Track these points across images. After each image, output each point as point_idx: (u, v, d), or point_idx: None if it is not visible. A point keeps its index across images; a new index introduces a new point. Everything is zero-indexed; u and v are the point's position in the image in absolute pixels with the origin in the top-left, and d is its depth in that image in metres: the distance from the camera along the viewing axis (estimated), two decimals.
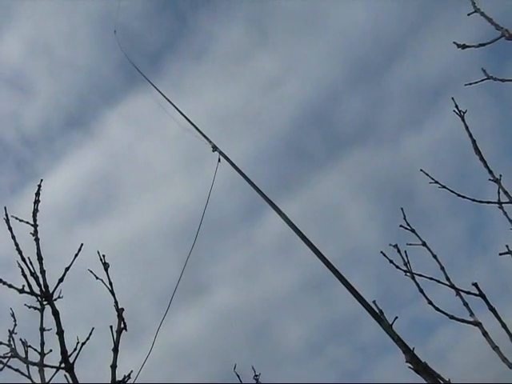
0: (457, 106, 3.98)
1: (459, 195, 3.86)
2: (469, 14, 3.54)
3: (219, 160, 6.02)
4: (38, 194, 3.03)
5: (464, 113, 4.06)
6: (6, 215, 2.83)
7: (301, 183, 14.42)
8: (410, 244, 3.95)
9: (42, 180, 3.07)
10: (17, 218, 2.92)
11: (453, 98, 3.96)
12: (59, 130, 18.93)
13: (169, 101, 7.25)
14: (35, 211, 2.97)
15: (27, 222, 2.90)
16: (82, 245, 2.82)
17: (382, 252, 3.73)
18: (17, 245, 2.71)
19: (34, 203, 2.97)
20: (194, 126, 6.55)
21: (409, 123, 15.06)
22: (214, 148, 6.13)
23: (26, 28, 18.36)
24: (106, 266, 3.18)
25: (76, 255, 2.90)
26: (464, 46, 3.42)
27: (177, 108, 7.02)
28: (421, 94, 14.66)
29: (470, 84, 3.54)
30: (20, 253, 2.77)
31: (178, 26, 18.42)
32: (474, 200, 3.79)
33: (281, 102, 16.01)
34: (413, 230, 4.08)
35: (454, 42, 3.49)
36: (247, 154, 14.64)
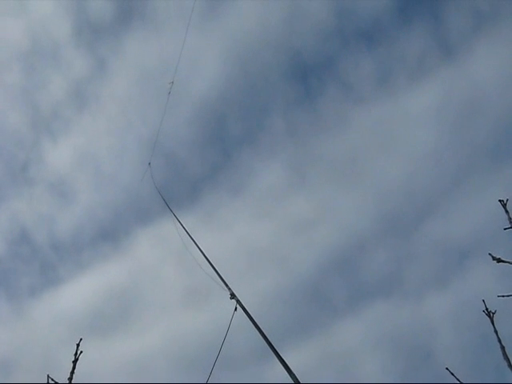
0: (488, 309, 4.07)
1: None
2: (505, 229, 3.73)
3: (236, 309, 6.12)
4: (76, 353, 3.14)
5: (493, 314, 4.14)
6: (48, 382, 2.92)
7: (319, 327, 14.30)
8: None
9: (81, 339, 3.19)
10: (52, 380, 3.00)
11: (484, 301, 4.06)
12: (89, 240, 19.35)
13: (195, 243, 7.56)
14: (72, 371, 3.06)
15: None
16: None
17: None
18: None
19: (73, 364, 3.07)
20: (217, 272, 6.75)
21: (433, 281, 15.07)
22: (232, 296, 6.26)
23: (79, 140, 19.41)
24: None
25: None
26: (499, 260, 3.58)
27: (202, 252, 7.30)
28: (448, 254, 14.79)
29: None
30: None
31: (222, 158, 19.30)
32: None
33: (309, 245, 16.27)
34: None
35: (490, 254, 3.67)
36: (268, 291, 14.68)
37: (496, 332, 4.02)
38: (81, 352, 2.99)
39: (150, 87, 19.35)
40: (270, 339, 5.06)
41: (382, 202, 16.66)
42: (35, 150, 20.80)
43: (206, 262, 7.32)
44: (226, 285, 6.53)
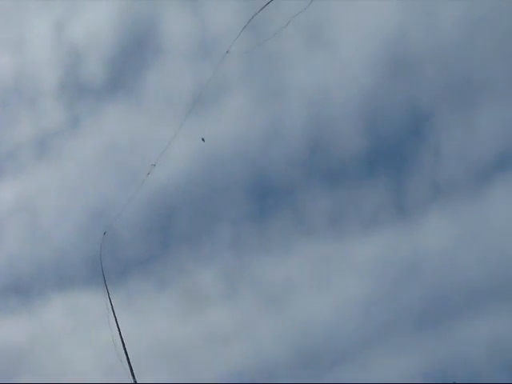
0: None
1: None
2: None
3: None
4: None
5: None
6: None
7: None
8: None
9: None
10: None
11: None
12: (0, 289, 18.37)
13: (119, 330, 7.45)
14: None
15: None
16: None
17: None
18: None
19: None
20: (128, 360, 6.63)
21: None
22: None
23: (27, 187, 19.01)
24: None
25: None
26: None
27: (121, 336, 7.19)
28: None
29: None
30: None
31: (159, 249, 19.06)
32: None
33: (219, 358, 15.90)
34: None
35: None
36: None
37: None
38: None
39: (113, 160, 19.40)
40: None
41: (303, 336, 16.63)
42: None
43: (119, 345, 7.20)
44: (133, 375, 6.40)
